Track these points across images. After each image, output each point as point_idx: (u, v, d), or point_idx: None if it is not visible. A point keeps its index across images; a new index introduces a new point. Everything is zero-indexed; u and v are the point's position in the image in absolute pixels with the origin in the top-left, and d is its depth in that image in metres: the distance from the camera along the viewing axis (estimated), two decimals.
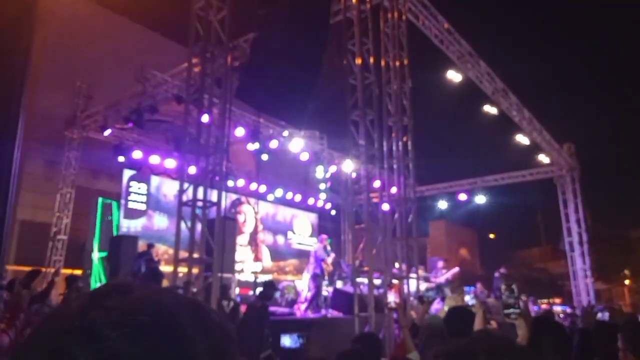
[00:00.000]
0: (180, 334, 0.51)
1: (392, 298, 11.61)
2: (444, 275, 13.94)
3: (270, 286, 7.50)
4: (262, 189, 17.50)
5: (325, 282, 13.27)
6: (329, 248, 12.51)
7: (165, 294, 0.55)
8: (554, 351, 2.90)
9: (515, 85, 15.37)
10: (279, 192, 18.30)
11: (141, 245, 12.36)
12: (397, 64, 10.62)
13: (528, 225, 33.96)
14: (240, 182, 16.64)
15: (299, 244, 19.34)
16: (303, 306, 11.55)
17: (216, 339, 0.54)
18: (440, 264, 15.56)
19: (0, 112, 2.55)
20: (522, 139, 16.46)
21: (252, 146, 14.43)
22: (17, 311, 6.13)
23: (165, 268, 12.06)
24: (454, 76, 13.01)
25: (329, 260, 12.06)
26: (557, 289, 29.70)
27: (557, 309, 17.33)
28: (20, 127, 2.59)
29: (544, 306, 20.55)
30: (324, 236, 13.00)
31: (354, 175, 10.02)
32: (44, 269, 13.20)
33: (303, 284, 12.62)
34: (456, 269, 15.62)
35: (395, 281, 12.10)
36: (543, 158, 17.69)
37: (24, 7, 2.89)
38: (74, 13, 14.79)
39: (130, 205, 14.56)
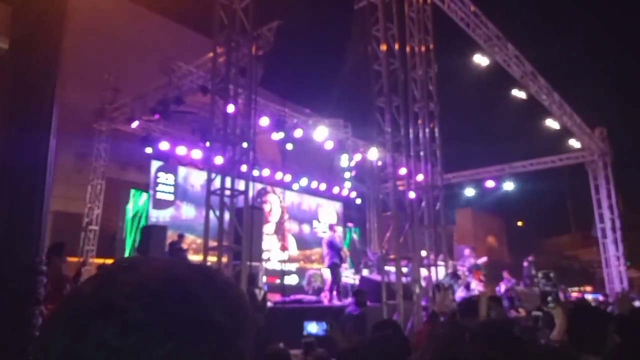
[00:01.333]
0: (195, 298, 0.52)
1: (474, 285, 11.58)
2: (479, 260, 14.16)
3: (361, 293, 7.83)
4: (287, 178, 17.55)
5: (350, 270, 13.30)
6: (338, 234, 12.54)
7: (175, 263, 0.57)
8: (594, 339, 2.82)
9: (545, 68, 14.94)
10: (303, 182, 18.33)
11: (170, 235, 12.57)
12: (423, 49, 10.46)
13: (557, 212, 33.14)
14: (266, 172, 16.72)
15: (324, 232, 19.37)
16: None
17: (230, 299, 0.56)
18: (467, 251, 15.44)
19: (35, 103, 2.60)
20: (552, 124, 16.03)
21: (277, 136, 14.47)
22: (60, 283, 6.09)
23: (193, 257, 12.25)
24: (480, 60, 12.74)
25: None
26: (587, 277, 29.06)
27: (589, 297, 16.92)
28: (55, 116, 2.63)
29: (574, 294, 20.15)
30: (336, 225, 13.07)
31: (379, 163, 9.94)
32: (77, 259, 13.60)
33: (328, 273, 12.66)
34: (484, 259, 15.51)
35: (481, 260, 12.29)
36: (574, 143, 17.22)
37: None
38: (98, 7, 14.99)
39: (159, 195, 14.78)
